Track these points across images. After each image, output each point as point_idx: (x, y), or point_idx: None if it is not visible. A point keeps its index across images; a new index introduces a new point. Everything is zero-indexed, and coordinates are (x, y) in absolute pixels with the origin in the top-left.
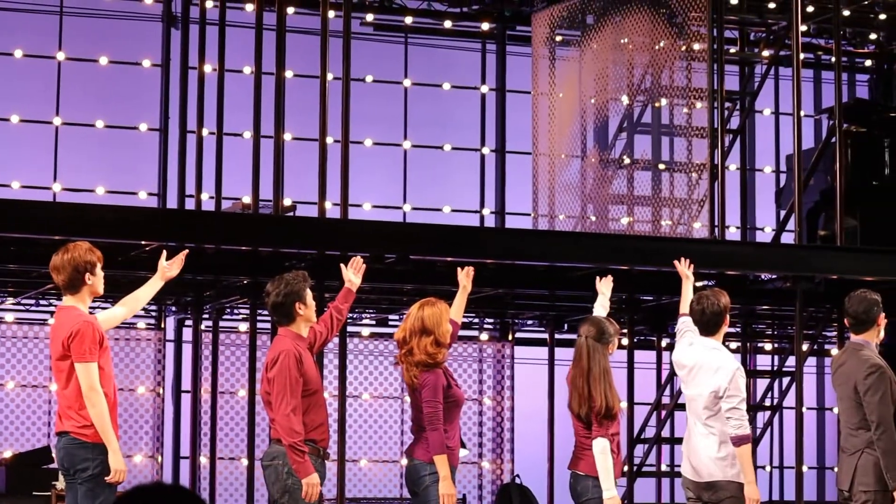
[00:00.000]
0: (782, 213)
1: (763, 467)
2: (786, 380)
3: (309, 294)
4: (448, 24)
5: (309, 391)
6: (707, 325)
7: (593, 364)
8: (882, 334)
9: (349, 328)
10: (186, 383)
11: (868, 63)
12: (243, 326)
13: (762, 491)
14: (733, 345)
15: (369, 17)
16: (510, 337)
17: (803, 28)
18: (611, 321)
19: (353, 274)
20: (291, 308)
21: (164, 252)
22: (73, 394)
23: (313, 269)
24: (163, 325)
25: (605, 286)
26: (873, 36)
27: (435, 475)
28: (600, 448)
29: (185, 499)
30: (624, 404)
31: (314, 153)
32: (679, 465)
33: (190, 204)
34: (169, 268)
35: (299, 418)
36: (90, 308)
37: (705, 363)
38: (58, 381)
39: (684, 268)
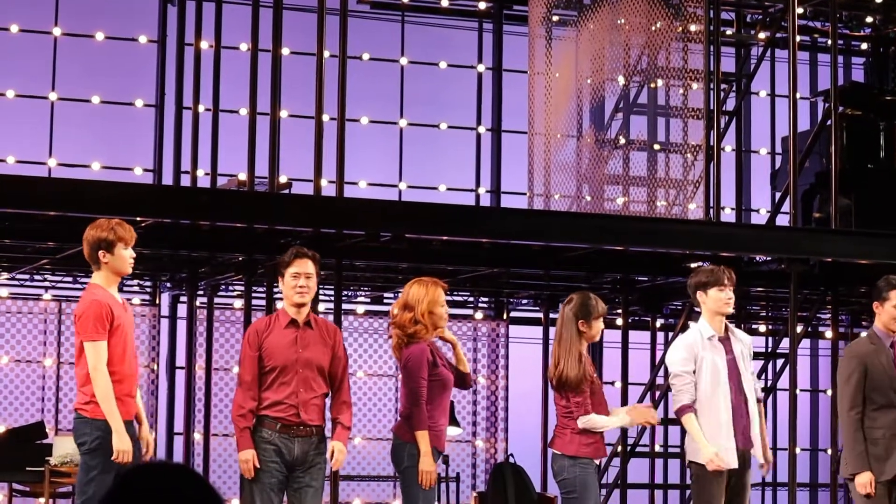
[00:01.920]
0: (777, 195)
1: None
2: (780, 362)
3: (289, 272)
4: (445, 2)
5: (268, 368)
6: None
7: (564, 332)
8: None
9: (344, 306)
10: (181, 359)
11: (864, 46)
12: (238, 303)
13: (755, 473)
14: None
15: None
16: (505, 316)
17: (799, 10)
18: (598, 301)
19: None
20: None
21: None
22: (81, 371)
23: (308, 246)
24: (157, 302)
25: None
26: (869, 19)
27: (414, 456)
28: (584, 422)
29: (188, 479)
30: (619, 384)
31: (310, 130)
32: (673, 446)
33: (186, 180)
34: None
35: (247, 394)
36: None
37: None
38: (75, 356)
39: None
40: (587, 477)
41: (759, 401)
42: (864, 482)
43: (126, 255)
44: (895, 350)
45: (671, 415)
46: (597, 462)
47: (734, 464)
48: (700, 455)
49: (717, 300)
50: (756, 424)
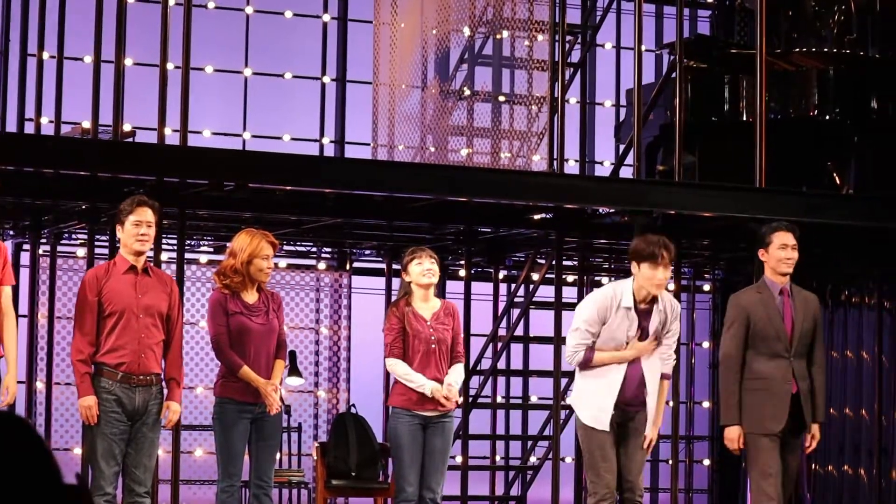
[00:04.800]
0: (622, 147)
1: None
2: None
3: (129, 220)
4: None
5: (108, 313)
6: None
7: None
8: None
9: (187, 255)
10: (23, 308)
11: None
12: (81, 251)
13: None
14: (570, 277)
15: None
16: (348, 266)
17: None
18: (419, 248)
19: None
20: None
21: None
22: None
23: (152, 195)
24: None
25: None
26: None
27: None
28: (389, 365)
29: (15, 427)
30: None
31: (155, 79)
32: (515, 397)
33: (29, 128)
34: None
35: (85, 339)
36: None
37: None
38: None
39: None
40: (398, 427)
41: (665, 377)
42: (732, 437)
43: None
44: (785, 298)
45: (514, 366)
46: (422, 413)
47: (602, 425)
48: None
49: (647, 278)
50: (652, 398)
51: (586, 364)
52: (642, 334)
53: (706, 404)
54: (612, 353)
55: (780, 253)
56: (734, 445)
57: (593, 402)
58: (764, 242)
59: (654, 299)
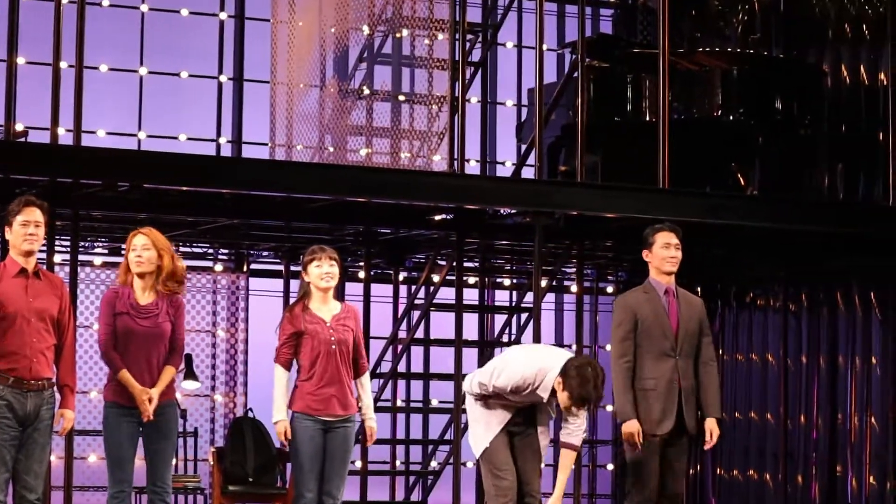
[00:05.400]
0: (523, 147)
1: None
2: (524, 316)
3: (17, 220)
4: None
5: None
6: None
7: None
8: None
9: (81, 257)
10: None
11: None
12: None
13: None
14: (471, 279)
15: None
16: (245, 268)
17: None
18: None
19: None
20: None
21: None
22: None
23: (45, 196)
24: None
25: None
26: None
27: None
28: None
29: None
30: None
31: (47, 78)
32: (416, 400)
33: None
34: None
35: None
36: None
37: None
38: None
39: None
40: (298, 431)
41: (570, 447)
42: (630, 431)
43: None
44: (670, 298)
45: (414, 369)
46: (323, 418)
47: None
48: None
49: (566, 407)
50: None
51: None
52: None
53: (609, 408)
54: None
55: (664, 252)
56: (633, 439)
57: (481, 426)
58: (647, 243)
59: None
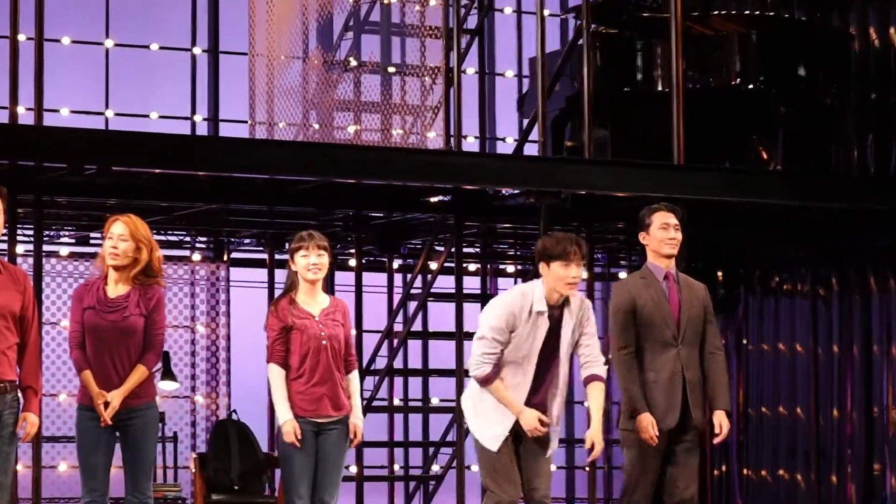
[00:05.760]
0: (525, 121)
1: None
2: None
3: None
4: None
5: None
6: None
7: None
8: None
9: (45, 247)
10: None
11: None
12: None
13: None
14: (472, 266)
15: None
16: (225, 257)
17: None
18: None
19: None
20: None
21: None
22: None
23: (4, 181)
24: None
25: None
26: None
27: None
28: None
29: None
30: (354, 332)
31: (4, 52)
32: (414, 399)
33: None
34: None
35: None
36: None
37: None
38: None
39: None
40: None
41: (594, 379)
42: (645, 425)
43: None
44: (670, 283)
45: (411, 364)
46: (314, 419)
47: (494, 448)
48: (523, 420)
49: (558, 278)
50: (555, 409)
51: (485, 384)
52: (557, 340)
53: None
54: (508, 396)
55: (662, 233)
56: (649, 433)
57: (490, 419)
58: (644, 224)
59: (566, 301)
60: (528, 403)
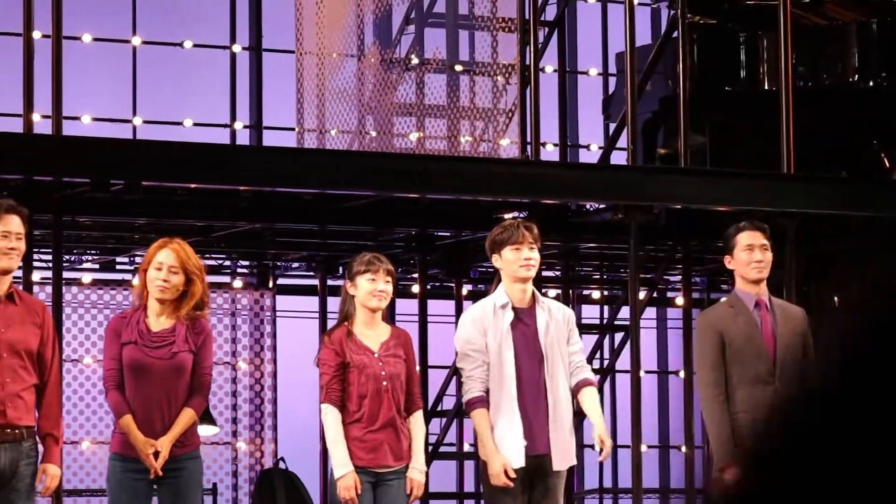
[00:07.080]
0: (612, 126)
1: (591, 446)
2: (618, 336)
3: None
4: None
5: None
6: None
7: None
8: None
9: (66, 274)
10: None
11: None
12: None
13: (591, 475)
14: (552, 292)
15: None
16: (270, 284)
17: None
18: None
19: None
20: None
21: None
22: None
23: (18, 197)
24: None
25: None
26: None
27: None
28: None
29: None
30: (418, 367)
31: (18, 51)
32: None
33: None
34: None
35: None
36: None
37: None
38: None
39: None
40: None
41: (586, 384)
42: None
43: None
44: (762, 311)
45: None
46: (373, 469)
47: (518, 464)
48: (489, 465)
49: (512, 262)
50: (562, 423)
51: (469, 408)
52: (537, 345)
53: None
54: (486, 432)
55: (747, 256)
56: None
57: (503, 444)
58: (728, 247)
59: (533, 300)
60: (531, 453)
